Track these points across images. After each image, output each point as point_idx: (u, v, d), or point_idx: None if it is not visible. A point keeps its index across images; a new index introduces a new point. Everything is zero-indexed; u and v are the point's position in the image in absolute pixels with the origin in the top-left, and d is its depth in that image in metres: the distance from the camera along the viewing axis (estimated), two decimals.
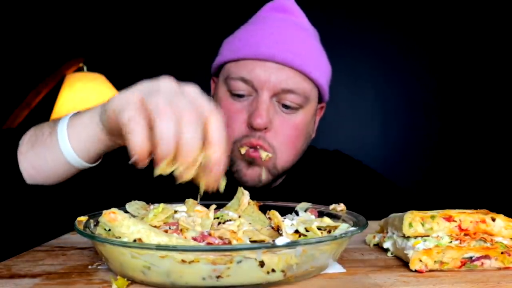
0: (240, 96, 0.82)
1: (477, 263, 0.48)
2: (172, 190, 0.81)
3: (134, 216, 0.51)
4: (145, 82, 0.50)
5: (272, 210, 0.48)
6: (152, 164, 0.46)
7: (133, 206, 0.54)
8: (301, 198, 0.63)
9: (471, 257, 0.47)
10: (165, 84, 0.49)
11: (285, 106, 0.82)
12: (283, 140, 0.82)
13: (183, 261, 0.38)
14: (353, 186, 0.97)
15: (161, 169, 0.45)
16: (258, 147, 0.80)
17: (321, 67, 0.86)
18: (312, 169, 0.99)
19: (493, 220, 0.49)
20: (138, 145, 0.45)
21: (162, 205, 0.48)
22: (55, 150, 0.57)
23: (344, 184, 0.97)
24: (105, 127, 0.54)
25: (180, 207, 0.59)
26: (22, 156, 0.59)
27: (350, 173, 1.00)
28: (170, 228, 0.45)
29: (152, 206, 0.55)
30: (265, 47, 0.80)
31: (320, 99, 0.90)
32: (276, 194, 0.87)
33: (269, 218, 0.51)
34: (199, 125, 0.46)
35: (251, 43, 0.82)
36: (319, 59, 0.87)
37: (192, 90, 0.49)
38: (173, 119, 0.45)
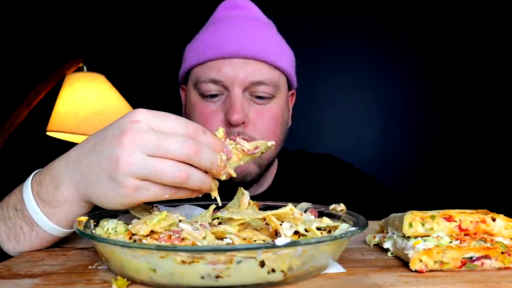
0: (212, 96, 0.84)
1: (477, 263, 0.48)
2: None
3: (138, 218, 0.51)
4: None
5: (268, 215, 0.48)
6: None
7: (136, 207, 0.54)
8: (291, 201, 0.63)
9: (471, 257, 0.47)
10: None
11: (258, 97, 0.84)
12: (263, 130, 0.84)
13: (183, 261, 0.38)
14: (343, 189, 0.97)
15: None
16: None
17: (284, 55, 0.88)
18: (301, 172, 1.00)
19: (493, 220, 0.49)
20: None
21: (165, 212, 0.47)
22: (50, 237, 0.56)
23: (334, 186, 0.98)
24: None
25: (184, 210, 0.59)
26: (12, 251, 0.56)
27: (340, 176, 1.01)
28: (174, 235, 0.45)
29: (155, 208, 0.55)
30: (228, 45, 0.82)
31: (290, 86, 0.93)
32: (266, 199, 0.87)
33: (267, 224, 0.50)
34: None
35: (214, 43, 0.84)
36: (281, 47, 0.89)
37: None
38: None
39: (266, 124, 0.84)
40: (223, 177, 0.51)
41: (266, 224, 0.50)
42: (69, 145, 0.58)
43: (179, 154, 0.46)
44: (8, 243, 0.56)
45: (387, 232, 0.56)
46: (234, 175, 0.52)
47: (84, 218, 0.50)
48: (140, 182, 0.46)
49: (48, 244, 0.57)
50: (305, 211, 0.60)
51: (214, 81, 0.82)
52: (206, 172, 0.49)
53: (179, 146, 0.46)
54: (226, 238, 0.46)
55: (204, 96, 0.84)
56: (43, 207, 0.53)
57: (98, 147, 0.48)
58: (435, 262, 0.47)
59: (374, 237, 0.60)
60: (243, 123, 0.81)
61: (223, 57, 0.82)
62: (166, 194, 0.48)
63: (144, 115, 0.47)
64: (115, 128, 0.48)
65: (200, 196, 0.51)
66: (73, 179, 0.51)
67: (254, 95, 0.83)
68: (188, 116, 0.89)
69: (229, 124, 0.81)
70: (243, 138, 0.54)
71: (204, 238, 0.45)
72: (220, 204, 0.53)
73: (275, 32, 0.92)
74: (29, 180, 0.56)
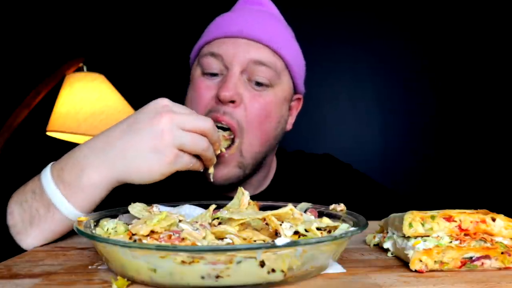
0: (212, 75, 0.82)
1: (477, 263, 0.48)
2: (173, 190, 0.81)
3: (138, 218, 0.51)
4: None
5: (268, 215, 0.48)
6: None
7: (136, 208, 0.54)
8: (290, 202, 0.62)
9: (471, 257, 0.47)
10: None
11: (257, 84, 0.81)
12: (252, 117, 0.80)
13: (183, 261, 0.38)
14: (343, 189, 0.96)
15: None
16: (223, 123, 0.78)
17: (291, 50, 0.86)
18: (300, 173, 0.99)
19: (493, 220, 0.49)
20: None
21: (165, 212, 0.48)
22: (64, 223, 0.59)
23: (333, 187, 0.97)
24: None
25: (183, 210, 0.59)
26: (23, 235, 0.59)
27: (339, 176, 1.00)
28: (174, 235, 0.45)
29: (155, 208, 0.55)
30: (234, 24, 0.84)
31: (296, 89, 0.91)
32: (265, 199, 0.87)
33: (267, 224, 0.50)
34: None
35: (221, 24, 0.86)
36: (289, 42, 0.88)
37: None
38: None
39: (257, 112, 0.81)
40: (218, 151, 0.69)
41: (266, 224, 0.50)
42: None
43: (204, 128, 0.61)
44: (21, 226, 0.59)
45: (387, 232, 0.56)
46: (224, 149, 0.75)
47: (84, 218, 0.50)
48: (178, 152, 0.59)
49: (60, 231, 0.60)
50: (305, 211, 0.60)
51: (214, 55, 0.81)
52: None
53: (203, 122, 0.61)
54: (226, 238, 0.46)
55: (205, 73, 0.83)
56: (63, 189, 0.58)
57: (135, 129, 0.59)
58: (435, 262, 0.47)
59: (374, 237, 0.60)
60: (233, 102, 0.78)
61: (227, 36, 0.83)
62: (191, 163, 0.62)
63: (167, 101, 0.61)
64: (148, 113, 0.60)
65: (202, 170, 0.66)
66: (105, 162, 0.59)
67: (253, 80, 0.81)
68: (188, 96, 0.87)
69: (218, 101, 0.79)
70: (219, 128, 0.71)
71: (204, 238, 0.45)
72: (212, 180, 0.73)
73: (288, 31, 0.90)
74: (48, 168, 0.61)
